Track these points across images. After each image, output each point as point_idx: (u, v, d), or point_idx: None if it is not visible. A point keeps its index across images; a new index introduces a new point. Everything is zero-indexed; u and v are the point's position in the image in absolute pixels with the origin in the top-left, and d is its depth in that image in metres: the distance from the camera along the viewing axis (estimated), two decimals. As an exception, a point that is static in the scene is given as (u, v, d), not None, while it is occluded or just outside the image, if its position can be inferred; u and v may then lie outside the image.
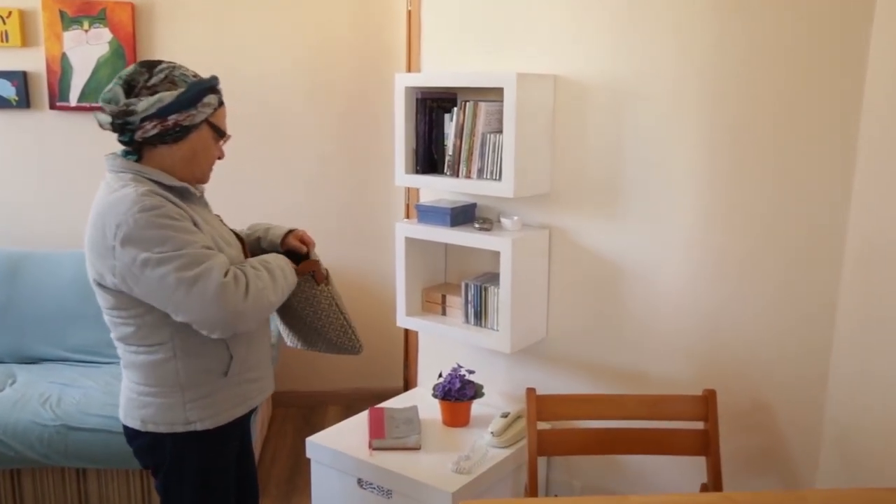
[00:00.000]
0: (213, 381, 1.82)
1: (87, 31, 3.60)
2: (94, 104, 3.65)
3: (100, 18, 3.60)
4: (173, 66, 1.78)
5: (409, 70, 3.69)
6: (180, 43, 3.69)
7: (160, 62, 1.78)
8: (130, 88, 1.74)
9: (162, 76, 1.75)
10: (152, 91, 1.73)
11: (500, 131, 2.40)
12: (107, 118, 1.73)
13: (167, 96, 1.70)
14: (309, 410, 4.10)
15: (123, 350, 1.83)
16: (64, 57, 3.61)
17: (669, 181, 2.29)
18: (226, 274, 1.68)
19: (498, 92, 2.46)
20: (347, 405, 4.18)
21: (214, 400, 1.83)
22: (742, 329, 2.24)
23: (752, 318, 2.22)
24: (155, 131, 1.71)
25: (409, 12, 3.65)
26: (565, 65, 2.43)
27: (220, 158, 1.88)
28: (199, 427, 1.82)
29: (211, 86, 1.79)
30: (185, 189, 1.80)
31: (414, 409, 2.63)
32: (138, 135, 1.72)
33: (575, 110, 2.43)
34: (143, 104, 1.69)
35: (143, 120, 1.70)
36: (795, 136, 2.08)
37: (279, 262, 1.89)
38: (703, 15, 2.16)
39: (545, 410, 2.13)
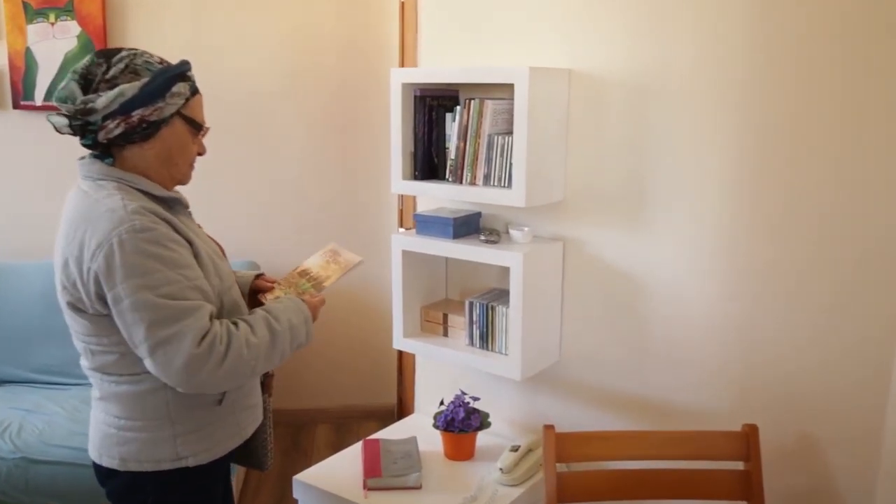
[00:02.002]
0: (206, 411, 1.63)
1: (53, 24, 3.34)
2: (61, 103, 3.37)
3: (67, 10, 3.33)
4: (135, 54, 1.55)
5: (402, 66, 3.44)
6: (155, 37, 3.43)
7: (120, 50, 1.55)
8: (87, 83, 1.52)
9: (122, 66, 1.52)
10: (112, 84, 1.51)
11: (509, 132, 2.15)
12: (63, 120, 1.51)
13: (129, 89, 1.49)
14: (297, 430, 3.86)
15: (100, 380, 1.61)
16: (28, 52, 3.34)
17: (698, 187, 2.05)
18: (202, 340, 1.47)
19: (506, 88, 2.20)
20: (338, 424, 3.94)
21: (208, 432, 1.64)
22: (785, 352, 1.99)
23: (797, 339, 1.97)
24: (119, 130, 1.50)
25: (403, 4, 3.40)
26: (581, 59, 2.17)
27: (200, 154, 1.68)
28: (190, 463, 1.62)
29: (180, 72, 1.56)
30: (177, 201, 1.62)
31: (413, 440, 2.38)
32: (101, 135, 1.52)
33: (592, 109, 2.18)
34: (103, 100, 1.48)
35: (105, 118, 1.48)
36: (843, 134, 1.84)
37: (295, 317, 1.67)
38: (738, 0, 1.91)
39: (565, 451, 1.88)
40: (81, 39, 3.35)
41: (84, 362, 1.63)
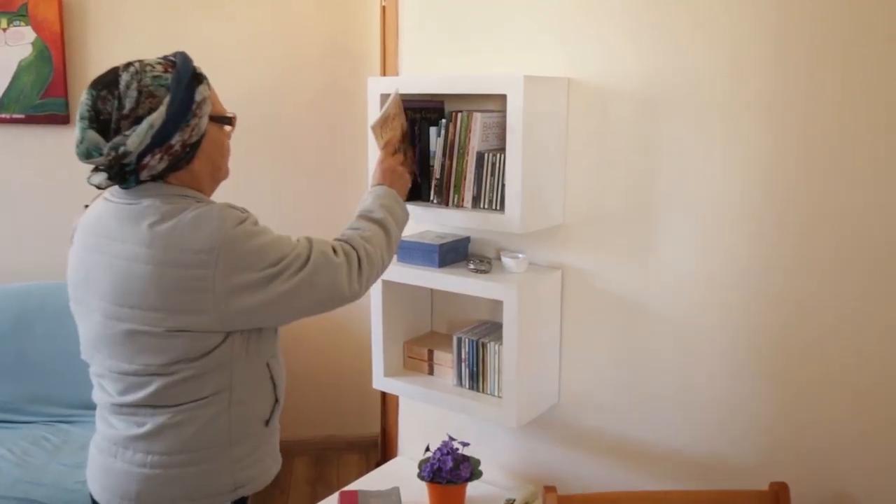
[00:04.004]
0: (258, 431, 1.54)
1: (5, 29, 3.10)
2: (15, 115, 3.12)
3: (20, 15, 3.08)
4: (138, 73, 1.37)
5: (383, 74, 3.22)
6: (117, 46, 3.19)
7: (117, 76, 1.37)
8: (104, 124, 1.36)
9: (135, 95, 1.37)
10: (135, 118, 1.36)
11: (501, 149, 1.91)
12: (101, 177, 1.38)
13: (157, 118, 1.35)
14: (273, 464, 3.61)
15: (152, 414, 1.45)
16: (-23, 60, 3.09)
17: (713, 208, 1.82)
18: (333, 251, 1.49)
19: (497, 100, 1.97)
20: (318, 456, 3.70)
21: (260, 455, 1.55)
22: (818, 398, 1.76)
23: (833, 382, 1.74)
24: (164, 164, 1.40)
25: (384, 7, 3.17)
26: (581, 66, 1.94)
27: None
28: (248, 491, 1.53)
29: (192, 73, 1.42)
30: None
31: (395, 492, 2.13)
32: (144, 174, 1.39)
33: (594, 122, 1.95)
34: (133, 139, 1.34)
35: (142, 156, 1.37)
36: (880, 146, 1.61)
37: (386, 199, 1.67)
38: None
39: (568, 516, 1.64)
40: (37, 46, 3.10)
41: (126, 398, 1.45)
